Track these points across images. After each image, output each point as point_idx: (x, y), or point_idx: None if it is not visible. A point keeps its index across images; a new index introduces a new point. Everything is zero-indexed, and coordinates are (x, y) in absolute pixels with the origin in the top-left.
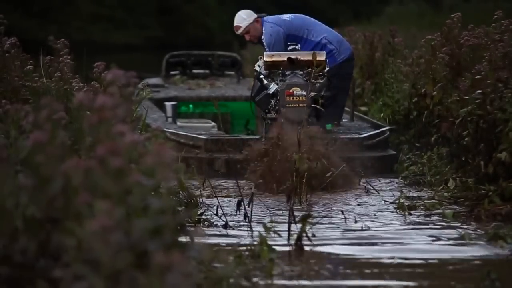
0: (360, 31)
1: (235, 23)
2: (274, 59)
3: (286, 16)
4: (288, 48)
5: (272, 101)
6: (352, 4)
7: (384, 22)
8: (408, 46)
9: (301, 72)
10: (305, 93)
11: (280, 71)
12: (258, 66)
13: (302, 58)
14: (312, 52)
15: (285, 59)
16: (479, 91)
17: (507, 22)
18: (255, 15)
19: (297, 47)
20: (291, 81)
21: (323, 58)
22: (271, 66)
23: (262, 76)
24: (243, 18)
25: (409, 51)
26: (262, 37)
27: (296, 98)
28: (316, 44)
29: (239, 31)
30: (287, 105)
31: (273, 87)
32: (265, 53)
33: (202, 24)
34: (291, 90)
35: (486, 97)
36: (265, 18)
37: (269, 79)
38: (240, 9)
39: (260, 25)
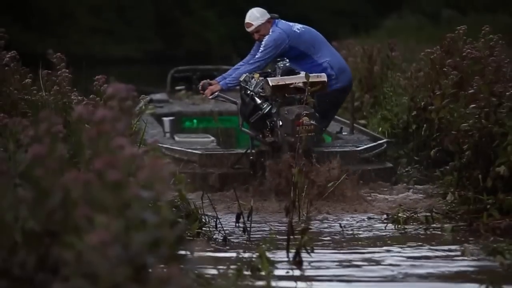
0: (358, 44)
1: (247, 20)
2: (280, 83)
3: (297, 27)
4: (278, 64)
5: (268, 122)
6: (351, 17)
7: (382, 35)
8: (406, 60)
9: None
10: (314, 122)
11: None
12: (245, 82)
13: (302, 82)
14: (314, 75)
15: (291, 83)
16: (473, 105)
17: (496, 37)
18: (269, 15)
19: (286, 63)
20: (300, 111)
21: (325, 79)
22: (276, 91)
23: (253, 94)
24: (257, 16)
25: (407, 65)
26: (265, 37)
27: (306, 127)
28: (317, 66)
29: (250, 29)
30: (297, 135)
31: (266, 107)
32: (269, 78)
33: (201, 37)
34: (300, 120)
35: (481, 111)
36: (276, 20)
37: (262, 99)
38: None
39: (271, 25)
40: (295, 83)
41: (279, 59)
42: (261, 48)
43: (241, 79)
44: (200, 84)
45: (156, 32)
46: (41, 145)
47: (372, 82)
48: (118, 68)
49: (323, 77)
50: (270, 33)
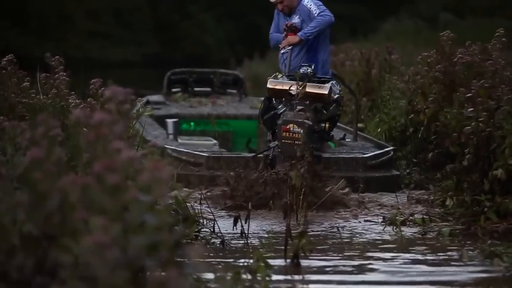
0: (356, 48)
1: None
2: (277, 87)
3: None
4: (301, 70)
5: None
6: (349, 21)
7: (380, 39)
8: (404, 63)
9: (306, 103)
10: (301, 131)
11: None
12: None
13: (304, 91)
14: (316, 84)
15: (287, 88)
16: (471, 109)
17: (494, 41)
18: None
19: (307, 70)
20: (288, 118)
21: (326, 92)
22: (273, 94)
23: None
24: None
25: (405, 68)
26: (309, 4)
27: (292, 135)
28: (318, 57)
29: None
30: (283, 140)
31: (281, 108)
32: (269, 79)
33: (199, 41)
34: (287, 126)
35: (479, 115)
36: None
37: (278, 100)
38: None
39: None
40: (289, 88)
41: (302, 64)
42: (316, 12)
43: (271, 77)
44: (287, 24)
45: (154, 35)
46: (39, 149)
47: (370, 85)
48: (116, 71)
49: (325, 89)
50: (308, 2)
